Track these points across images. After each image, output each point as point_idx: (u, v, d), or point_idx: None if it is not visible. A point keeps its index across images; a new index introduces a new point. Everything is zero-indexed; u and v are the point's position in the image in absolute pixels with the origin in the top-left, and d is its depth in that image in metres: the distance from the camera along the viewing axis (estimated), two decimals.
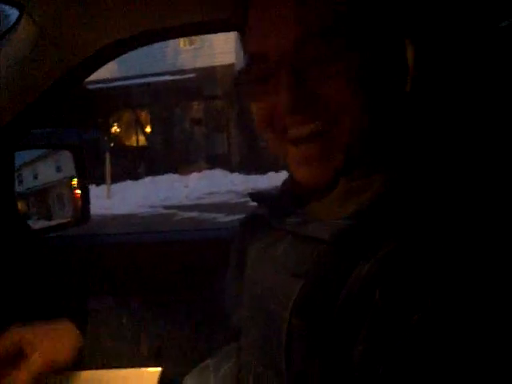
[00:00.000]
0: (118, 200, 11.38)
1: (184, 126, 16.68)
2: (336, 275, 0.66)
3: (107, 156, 12.35)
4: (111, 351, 0.99)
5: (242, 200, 8.87)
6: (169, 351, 1.02)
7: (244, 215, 0.97)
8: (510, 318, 0.56)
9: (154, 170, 15.06)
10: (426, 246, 0.61)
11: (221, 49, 15.03)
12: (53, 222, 1.60)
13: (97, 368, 0.96)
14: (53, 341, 0.95)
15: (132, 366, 0.99)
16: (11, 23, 1.11)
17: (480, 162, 0.76)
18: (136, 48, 1.25)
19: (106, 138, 15.53)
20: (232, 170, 14.39)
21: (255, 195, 0.91)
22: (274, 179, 10.48)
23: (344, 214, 0.70)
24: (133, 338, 1.02)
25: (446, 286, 0.58)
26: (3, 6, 1.10)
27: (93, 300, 1.06)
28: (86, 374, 0.98)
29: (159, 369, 0.96)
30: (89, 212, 1.47)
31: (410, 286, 0.59)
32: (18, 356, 0.92)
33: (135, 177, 14.31)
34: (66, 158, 1.52)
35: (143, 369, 0.95)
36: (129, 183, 13.41)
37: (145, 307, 1.06)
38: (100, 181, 11.83)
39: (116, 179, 12.92)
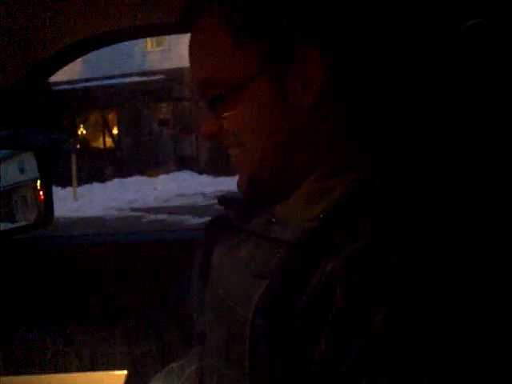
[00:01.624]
0: (84, 202, 11.24)
1: (152, 127, 16.57)
2: (299, 276, 0.67)
3: (73, 158, 12.18)
4: None
5: (211, 202, 8.85)
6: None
7: (211, 217, 0.97)
8: (471, 316, 0.57)
9: (122, 171, 14.91)
10: (389, 245, 0.61)
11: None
12: (16, 224, 1.57)
13: None
14: None
15: None
16: None
17: (449, 158, 0.77)
18: (99, 48, 1.24)
19: (72, 140, 15.30)
20: (200, 172, 14.35)
21: (223, 199, 0.91)
22: None
23: (308, 216, 0.71)
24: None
25: (408, 286, 0.58)
26: None
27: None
28: (52, 378, 0.96)
29: (125, 372, 0.95)
30: (52, 214, 1.45)
31: (371, 285, 0.59)
32: None
33: (102, 179, 14.14)
34: (30, 160, 1.50)
35: (110, 372, 0.94)
36: (96, 185, 13.25)
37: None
38: (66, 183, 11.67)
39: (83, 181, 12.76)
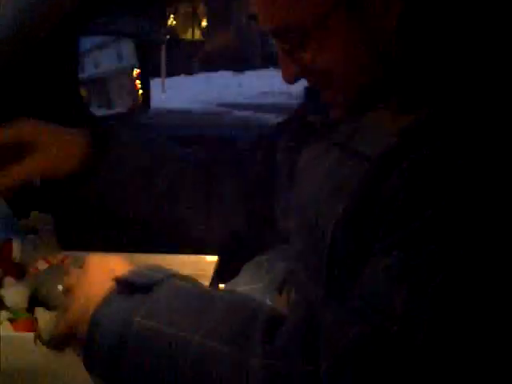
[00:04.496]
0: (172, 94, 11.38)
1: (241, 21, 16.26)
2: (377, 190, 0.68)
3: (163, 49, 12.22)
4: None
5: (296, 102, 8.69)
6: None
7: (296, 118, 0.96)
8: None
9: (209, 65, 14.89)
10: (453, 158, 0.62)
11: None
12: (113, 111, 1.63)
13: None
14: (59, 145, 0.93)
15: None
16: None
17: None
18: None
19: (162, 30, 15.31)
20: None
21: (308, 104, 0.91)
22: None
23: (394, 131, 0.70)
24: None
25: (462, 195, 0.61)
26: None
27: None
28: (144, 257, 1.02)
29: (216, 257, 1.00)
30: (148, 102, 1.49)
31: (428, 186, 0.62)
32: (19, 149, 0.91)
33: (190, 71, 14.19)
34: (127, 48, 1.52)
35: (201, 256, 0.99)
36: (183, 78, 13.33)
37: None
38: (155, 73, 11.80)
39: (170, 73, 12.85)
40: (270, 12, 0.74)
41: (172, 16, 17.57)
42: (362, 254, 0.68)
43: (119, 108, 1.64)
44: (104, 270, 0.76)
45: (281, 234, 0.95)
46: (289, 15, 0.72)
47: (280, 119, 1.09)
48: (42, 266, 0.92)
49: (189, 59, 15.80)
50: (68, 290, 0.78)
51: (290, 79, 0.78)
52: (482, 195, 0.61)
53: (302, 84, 0.85)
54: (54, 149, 0.92)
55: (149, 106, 1.48)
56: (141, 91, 1.52)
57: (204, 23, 17.10)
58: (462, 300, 0.59)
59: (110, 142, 0.99)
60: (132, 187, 1.00)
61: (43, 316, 0.83)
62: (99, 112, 1.60)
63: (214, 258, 1.01)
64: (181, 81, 12.99)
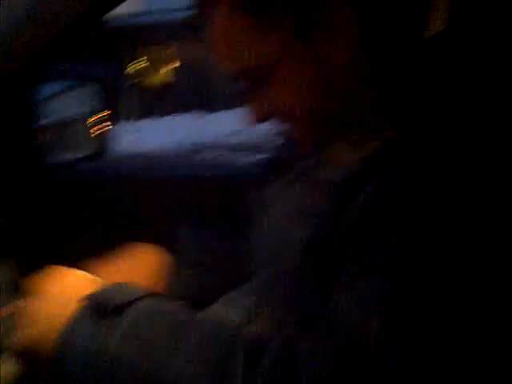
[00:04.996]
0: (143, 136, 11.40)
1: (212, 62, 16.50)
2: (347, 218, 0.67)
3: (133, 92, 12.31)
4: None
5: (269, 139, 8.81)
6: None
7: (266, 156, 0.98)
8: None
9: (180, 107, 15.01)
10: (415, 181, 0.63)
11: None
12: (73, 156, 1.61)
13: None
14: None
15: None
16: None
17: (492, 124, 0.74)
18: None
19: (131, 74, 15.45)
20: None
21: (279, 141, 0.93)
22: None
23: (357, 159, 0.72)
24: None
25: (428, 216, 0.60)
26: None
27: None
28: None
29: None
30: (110, 146, 1.47)
31: (393, 209, 0.62)
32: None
33: (160, 114, 14.28)
34: (91, 92, 1.52)
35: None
36: (151, 120, 13.40)
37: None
38: (125, 117, 11.85)
39: (141, 116, 12.91)
40: (231, 54, 0.75)
41: (140, 59, 17.77)
42: (331, 280, 0.67)
43: (82, 153, 1.62)
44: (65, 286, 0.73)
45: (253, 268, 0.95)
46: (249, 55, 0.73)
47: (253, 158, 1.12)
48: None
49: (159, 101, 15.91)
50: (19, 308, 0.73)
51: (258, 119, 0.79)
52: (445, 217, 0.61)
53: (273, 123, 0.85)
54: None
55: (111, 150, 1.46)
56: (103, 136, 1.50)
57: (173, 65, 17.30)
58: (435, 326, 0.58)
59: None
60: None
61: (4, 363, 0.78)
62: (62, 157, 1.57)
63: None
64: (149, 123, 13.05)
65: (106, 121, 1.55)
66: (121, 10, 1.34)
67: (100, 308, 0.68)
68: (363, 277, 0.62)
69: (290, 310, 0.74)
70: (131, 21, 15.69)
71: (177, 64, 17.09)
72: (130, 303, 0.69)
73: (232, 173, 1.68)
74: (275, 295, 0.78)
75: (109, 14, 1.30)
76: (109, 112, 1.54)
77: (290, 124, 0.80)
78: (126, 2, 1.30)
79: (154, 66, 17.75)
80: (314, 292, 0.71)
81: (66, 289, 0.72)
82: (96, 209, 1.41)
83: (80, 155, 1.59)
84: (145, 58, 17.80)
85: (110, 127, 1.56)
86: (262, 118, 0.79)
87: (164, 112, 14.79)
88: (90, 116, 1.62)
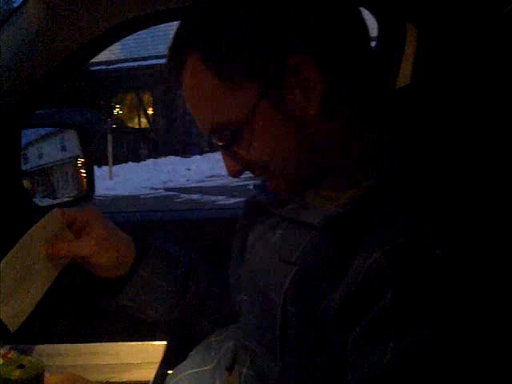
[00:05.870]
0: (119, 181, 11.37)
1: (186, 108, 16.60)
2: (331, 263, 0.68)
3: (109, 137, 12.32)
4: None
5: (244, 183, 8.86)
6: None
7: (244, 198, 0.99)
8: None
9: (156, 152, 15.03)
10: (432, 243, 0.61)
11: None
12: (57, 200, 1.63)
13: None
14: (112, 238, 0.95)
15: None
16: (20, 1, 1.12)
17: (480, 157, 0.77)
18: (142, 28, 1.26)
19: (108, 120, 15.48)
20: None
21: (259, 186, 0.93)
22: None
23: (338, 201, 0.72)
24: None
25: (463, 294, 0.58)
26: None
27: None
28: (92, 347, 1.00)
29: (164, 342, 0.98)
30: (93, 191, 1.49)
31: (424, 293, 0.59)
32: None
33: (137, 159, 14.29)
34: (71, 138, 1.54)
35: (149, 342, 0.97)
36: (131, 165, 13.39)
37: None
38: (102, 162, 11.82)
39: (118, 161, 12.90)
40: (201, 113, 0.76)
41: (118, 106, 17.84)
42: (314, 325, 0.68)
43: (63, 197, 1.63)
44: None
45: (234, 309, 0.95)
46: (219, 114, 0.74)
47: (229, 201, 1.11)
48: None
49: (136, 146, 15.93)
50: None
51: (234, 173, 0.80)
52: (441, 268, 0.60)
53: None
54: (107, 239, 0.94)
55: (93, 195, 1.48)
56: (85, 180, 1.51)
57: (150, 111, 17.40)
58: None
59: (149, 251, 1.01)
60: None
61: None
62: (43, 202, 1.58)
63: (162, 343, 1.00)
64: (129, 167, 13.04)
65: (86, 166, 1.57)
66: (98, 57, 1.38)
67: None
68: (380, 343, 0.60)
69: (274, 358, 0.73)
70: (108, 67, 15.82)
71: (152, 110, 17.19)
72: None
73: (211, 215, 1.71)
74: (260, 342, 0.77)
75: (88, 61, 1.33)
76: (89, 157, 1.56)
77: (263, 177, 0.81)
78: (105, 50, 1.35)
79: (131, 111, 17.84)
80: (299, 343, 0.70)
81: None
82: None
83: (64, 199, 1.60)
84: (122, 104, 17.90)
85: (91, 172, 1.57)
86: (235, 173, 0.80)
87: (141, 157, 14.81)
88: (71, 161, 1.64)
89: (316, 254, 0.70)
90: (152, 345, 1.00)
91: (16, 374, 0.72)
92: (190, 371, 0.94)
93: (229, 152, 0.78)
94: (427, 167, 0.71)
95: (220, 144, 0.77)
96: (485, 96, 0.85)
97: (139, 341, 1.02)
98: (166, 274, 1.00)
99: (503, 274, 0.61)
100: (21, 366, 0.73)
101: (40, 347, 0.99)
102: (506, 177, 0.76)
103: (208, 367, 0.93)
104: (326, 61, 0.72)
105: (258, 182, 0.95)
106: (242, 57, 0.71)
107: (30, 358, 0.79)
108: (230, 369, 0.88)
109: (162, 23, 1.30)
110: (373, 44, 1.39)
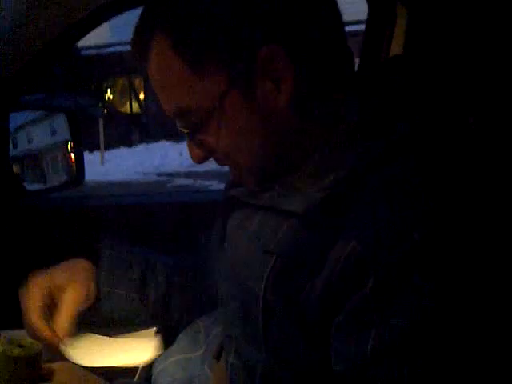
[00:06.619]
0: (111, 167, 11.35)
1: None
2: (311, 250, 0.67)
3: (101, 122, 12.27)
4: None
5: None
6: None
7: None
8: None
9: (148, 136, 14.97)
10: (412, 225, 0.61)
11: None
12: (47, 185, 1.62)
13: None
14: (75, 279, 0.92)
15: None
16: None
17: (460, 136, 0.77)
18: (131, 7, 1.24)
19: (99, 105, 15.39)
20: None
21: (230, 183, 0.92)
22: None
23: (317, 187, 0.70)
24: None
25: (432, 268, 0.59)
26: None
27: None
28: (92, 338, 0.99)
29: (154, 328, 0.98)
30: (83, 175, 1.49)
31: (403, 279, 0.59)
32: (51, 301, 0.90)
33: (129, 144, 14.23)
34: (61, 122, 1.53)
35: (141, 332, 0.97)
36: (122, 150, 13.34)
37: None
38: (93, 147, 11.78)
39: (109, 146, 12.86)
40: (167, 96, 0.74)
41: (109, 90, 17.73)
42: (296, 313, 0.68)
43: (53, 182, 1.62)
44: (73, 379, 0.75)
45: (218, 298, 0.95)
46: (186, 99, 0.72)
47: (222, 186, 1.10)
48: None
49: (127, 131, 15.86)
50: None
51: (198, 159, 0.78)
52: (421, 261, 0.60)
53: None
54: (75, 285, 0.91)
55: (83, 179, 1.47)
56: (75, 165, 1.51)
57: (141, 96, 17.31)
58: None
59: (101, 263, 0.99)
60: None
61: None
62: (33, 187, 1.58)
63: (152, 330, 1.00)
64: (120, 153, 13.00)
65: (75, 150, 1.56)
66: (89, 41, 1.36)
67: None
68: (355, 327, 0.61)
69: (258, 346, 0.73)
70: (99, 52, 15.70)
71: (144, 95, 17.10)
72: None
73: (205, 199, 1.71)
74: (244, 331, 0.77)
75: (77, 44, 1.32)
76: (78, 141, 1.55)
77: (235, 168, 0.79)
78: (93, 33, 1.34)
79: (123, 96, 17.73)
80: (282, 330, 0.70)
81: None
82: (70, 236, 1.42)
83: (53, 184, 1.60)
84: (114, 88, 17.78)
85: (80, 156, 1.57)
86: (199, 159, 0.78)
87: (133, 142, 14.75)
88: (61, 145, 1.63)
89: (295, 242, 0.70)
90: (144, 333, 1.00)
91: (16, 351, 0.73)
92: (178, 357, 0.94)
93: (194, 137, 0.76)
94: (407, 151, 0.69)
95: (186, 128, 0.75)
96: (475, 75, 0.85)
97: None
98: (122, 281, 0.99)
99: (482, 263, 0.61)
100: (20, 346, 0.75)
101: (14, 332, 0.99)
102: (494, 160, 0.76)
103: (196, 354, 0.93)
104: (299, 51, 0.70)
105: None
106: (212, 45, 0.69)
107: (29, 339, 0.80)
108: (217, 357, 0.88)
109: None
110: (362, 27, 1.40)
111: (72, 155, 1.57)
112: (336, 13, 0.74)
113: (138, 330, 1.01)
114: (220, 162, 0.78)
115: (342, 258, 0.63)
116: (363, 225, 0.63)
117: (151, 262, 1.04)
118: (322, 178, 0.70)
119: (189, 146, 0.78)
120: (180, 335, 0.99)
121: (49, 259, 0.97)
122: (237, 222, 0.84)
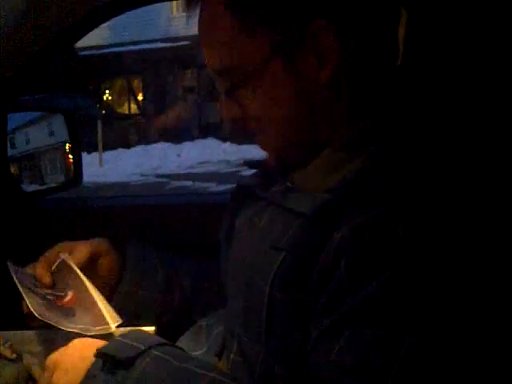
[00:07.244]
0: (109, 168, 11.33)
1: (177, 94, 16.54)
2: (313, 248, 0.68)
3: (99, 123, 12.25)
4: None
5: (234, 169, 8.86)
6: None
7: (232, 185, 0.99)
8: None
9: (147, 138, 14.97)
10: (396, 221, 0.62)
11: None
12: (45, 186, 1.62)
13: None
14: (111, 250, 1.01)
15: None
16: None
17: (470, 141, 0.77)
18: (131, 9, 1.24)
19: (97, 106, 15.38)
20: (224, 140, 14.34)
21: (250, 162, 0.93)
22: None
23: (326, 186, 0.72)
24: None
25: (408, 262, 0.60)
26: None
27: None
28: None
29: (153, 328, 0.98)
30: (81, 176, 1.48)
31: (373, 257, 0.61)
32: None
33: (127, 145, 14.22)
34: (59, 123, 1.52)
35: (138, 328, 0.97)
36: (120, 151, 13.33)
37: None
38: (91, 148, 11.76)
39: (108, 147, 12.84)
40: (213, 52, 0.76)
41: (107, 91, 17.73)
42: (300, 312, 0.68)
43: (51, 183, 1.62)
44: (85, 358, 0.76)
45: (224, 295, 0.95)
46: (230, 57, 0.74)
47: (220, 188, 1.10)
48: None
49: (126, 132, 15.85)
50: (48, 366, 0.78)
51: (228, 119, 0.80)
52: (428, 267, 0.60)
53: (239, 153, 0.86)
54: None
55: (81, 180, 1.47)
56: (73, 166, 1.50)
57: (140, 97, 17.31)
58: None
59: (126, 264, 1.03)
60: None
61: None
62: (31, 188, 1.57)
63: (151, 329, 0.99)
64: (119, 154, 12.98)
65: (73, 151, 1.56)
66: (87, 42, 1.36)
67: (112, 362, 0.72)
68: (339, 332, 0.61)
69: (260, 343, 0.73)
70: (97, 52, 15.70)
71: (142, 96, 17.11)
72: (139, 355, 0.73)
73: (202, 200, 1.70)
74: (246, 327, 0.77)
75: (75, 45, 1.32)
76: (76, 142, 1.55)
77: (261, 136, 0.80)
78: (92, 34, 1.33)
79: (121, 97, 17.73)
80: (285, 328, 0.70)
81: (86, 360, 0.75)
82: (69, 237, 1.41)
83: (51, 185, 1.59)
84: (112, 89, 17.78)
85: (79, 157, 1.56)
86: (229, 119, 0.79)
87: (131, 143, 14.74)
88: (59, 146, 1.63)
89: (303, 241, 0.70)
90: (140, 330, 0.99)
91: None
92: None
93: (231, 96, 0.78)
94: (417, 151, 0.70)
95: (226, 85, 0.77)
96: (476, 80, 0.85)
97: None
98: (147, 283, 1.02)
99: (468, 264, 0.62)
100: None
101: (10, 333, 0.99)
102: (494, 162, 0.76)
103: (198, 352, 0.92)
104: (349, 33, 0.71)
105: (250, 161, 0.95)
106: (265, 8, 0.71)
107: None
108: (219, 355, 0.88)
109: (149, 4, 1.28)
110: None
111: (70, 156, 1.56)
112: (394, 6, 0.76)
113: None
114: (248, 127, 0.79)
115: (332, 247, 0.65)
116: (354, 215, 0.65)
117: (176, 265, 1.06)
118: (331, 176, 0.72)
119: (223, 103, 0.80)
120: (183, 336, 0.99)
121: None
122: (245, 218, 0.85)
